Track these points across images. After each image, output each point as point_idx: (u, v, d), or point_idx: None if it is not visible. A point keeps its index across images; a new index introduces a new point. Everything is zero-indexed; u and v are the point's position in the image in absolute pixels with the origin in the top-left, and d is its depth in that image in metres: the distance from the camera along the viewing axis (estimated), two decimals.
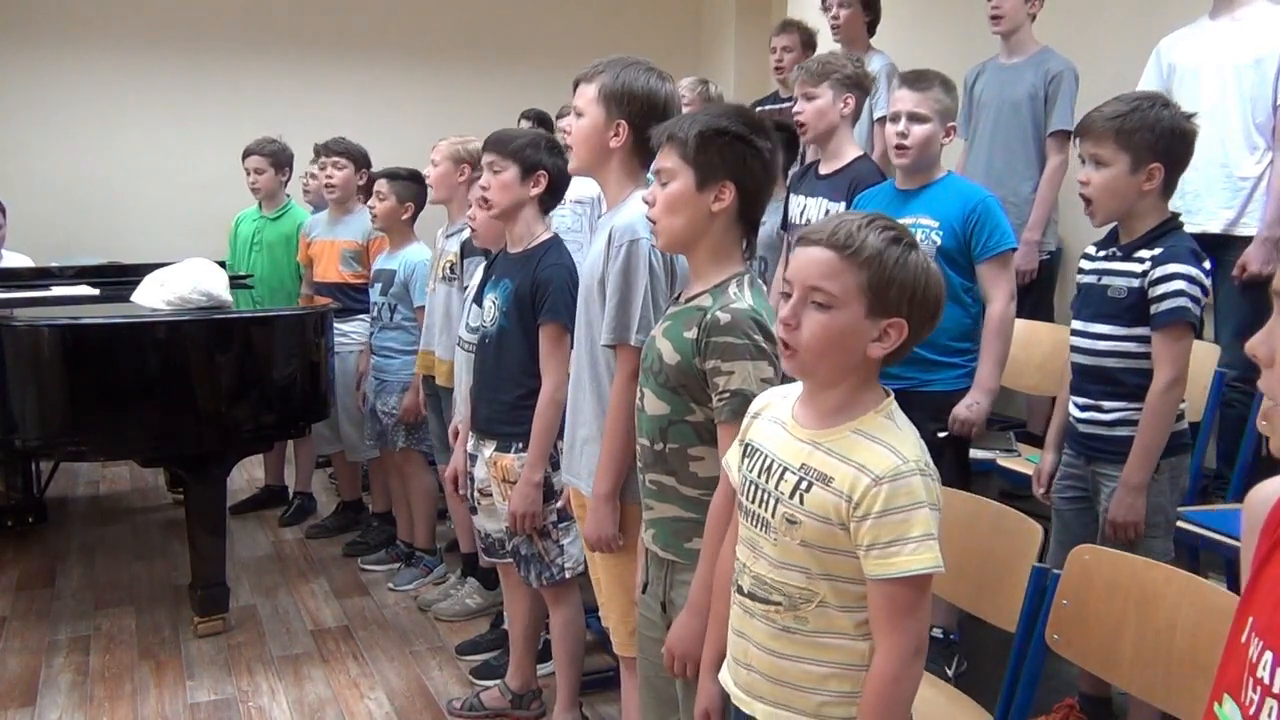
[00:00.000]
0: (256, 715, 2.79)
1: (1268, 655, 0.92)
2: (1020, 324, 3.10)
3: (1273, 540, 0.97)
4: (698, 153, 1.66)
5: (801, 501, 1.33)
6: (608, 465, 1.95)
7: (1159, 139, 2.09)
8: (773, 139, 1.72)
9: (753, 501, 1.40)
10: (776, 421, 1.43)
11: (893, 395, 1.38)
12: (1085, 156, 2.18)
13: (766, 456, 1.40)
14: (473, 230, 2.84)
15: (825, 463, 1.33)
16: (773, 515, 1.36)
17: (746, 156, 1.67)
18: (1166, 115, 2.10)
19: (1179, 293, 2.06)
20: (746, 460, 1.44)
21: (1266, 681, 0.91)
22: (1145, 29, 3.49)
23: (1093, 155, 2.15)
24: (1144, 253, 2.13)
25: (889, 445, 1.30)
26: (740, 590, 1.43)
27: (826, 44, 4.09)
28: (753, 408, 1.50)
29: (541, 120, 4.77)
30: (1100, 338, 2.20)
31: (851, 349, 1.32)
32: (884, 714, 1.31)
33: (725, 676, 1.49)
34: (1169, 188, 2.16)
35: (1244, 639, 0.96)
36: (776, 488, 1.37)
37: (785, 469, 1.36)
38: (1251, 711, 0.92)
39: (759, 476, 1.40)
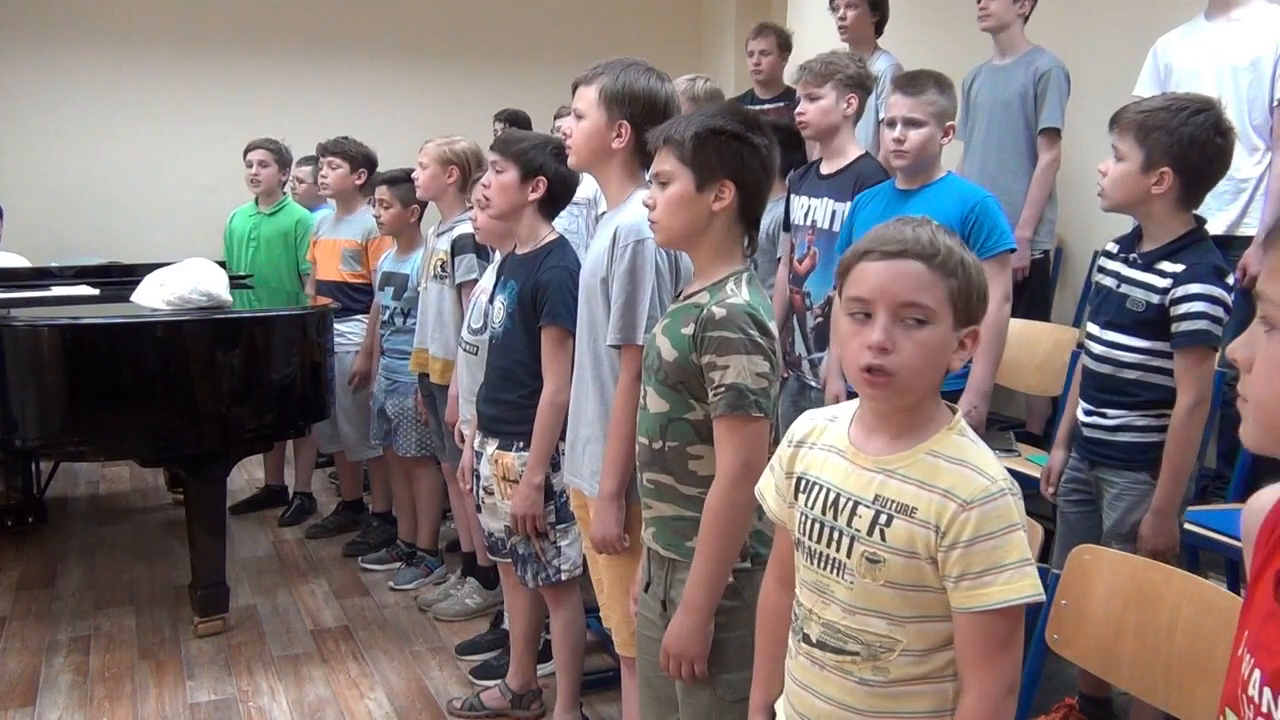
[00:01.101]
0: (256, 715, 2.79)
1: (1256, 673, 0.91)
2: (1019, 324, 3.10)
3: (1265, 554, 0.97)
4: (695, 154, 1.66)
5: (883, 538, 1.22)
6: (613, 465, 1.95)
7: (1174, 144, 2.05)
8: (769, 135, 1.72)
9: (817, 541, 1.29)
10: (832, 449, 1.32)
11: (959, 412, 1.30)
12: (1112, 146, 2.17)
13: (829, 490, 1.29)
14: (475, 228, 2.85)
15: (902, 491, 1.22)
16: (848, 555, 1.25)
17: (744, 154, 1.67)
18: (1192, 123, 2.04)
19: (1201, 314, 2.03)
20: (802, 496, 1.33)
21: (1255, 700, 0.91)
22: (1142, 29, 3.49)
23: (1114, 146, 2.14)
24: (1166, 265, 2.10)
25: (973, 466, 1.21)
26: (808, 640, 1.30)
27: (830, 43, 4.09)
28: (794, 435, 1.39)
29: (515, 121, 4.77)
30: (1114, 346, 2.18)
31: (943, 365, 1.24)
32: None
33: None
34: (1191, 197, 2.11)
35: (1240, 652, 0.96)
36: (850, 524, 1.25)
37: (856, 502, 1.25)
38: None
39: (824, 513, 1.28)
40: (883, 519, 1.22)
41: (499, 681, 2.80)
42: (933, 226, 1.25)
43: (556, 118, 4.17)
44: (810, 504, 1.31)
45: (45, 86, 5.73)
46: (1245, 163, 3.07)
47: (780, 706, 1.40)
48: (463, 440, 2.87)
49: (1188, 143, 2.05)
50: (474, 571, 3.43)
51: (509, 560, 2.61)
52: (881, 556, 1.22)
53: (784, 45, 4.25)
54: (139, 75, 5.88)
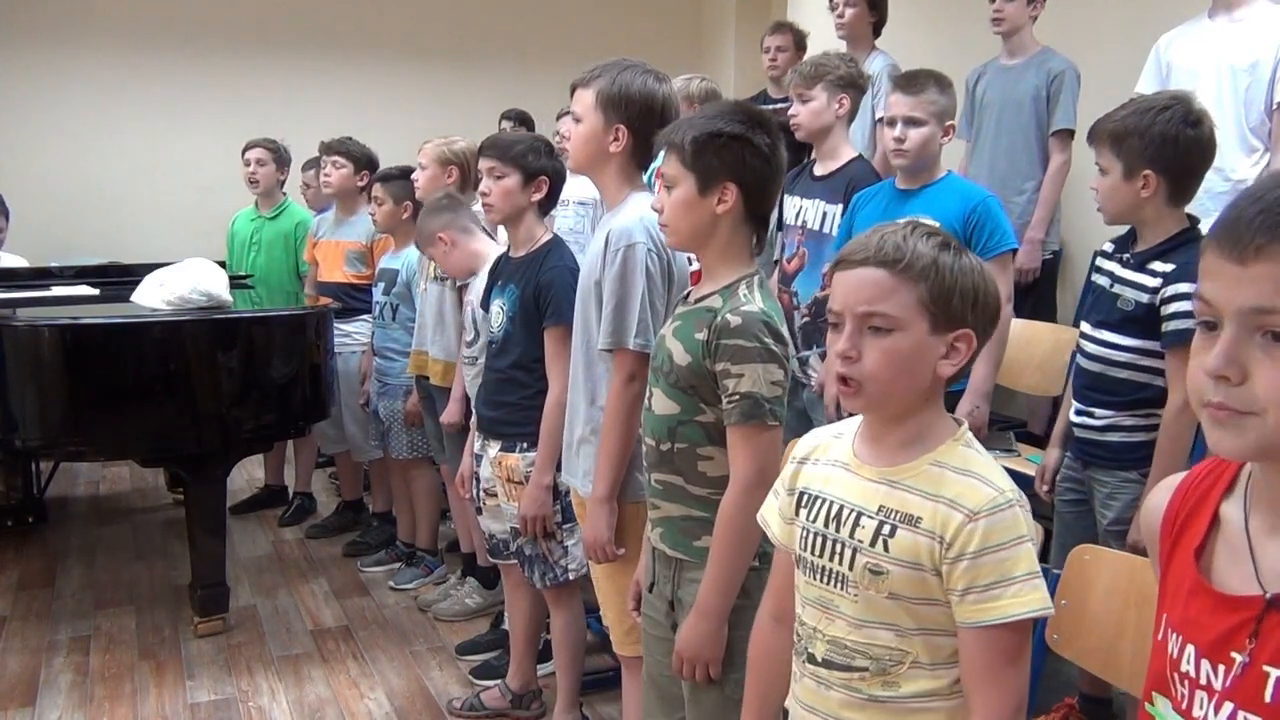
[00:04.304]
0: (256, 715, 2.79)
1: (1189, 649, 0.93)
2: (1020, 324, 3.10)
3: (1171, 542, 1.00)
4: (695, 158, 1.66)
5: (886, 548, 1.19)
6: (605, 468, 1.95)
7: (1148, 145, 2.05)
8: (773, 134, 1.71)
9: (820, 555, 1.26)
10: (835, 464, 1.30)
11: (966, 423, 1.28)
12: (1095, 163, 2.18)
13: (832, 503, 1.27)
14: (445, 270, 3.01)
15: (906, 501, 1.20)
16: (850, 568, 1.22)
17: (745, 155, 1.67)
18: (1161, 121, 2.04)
19: (1190, 314, 2.04)
20: (804, 511, 1.30)
21: (1193, 674, 0.92)
22: (1145, 28, 3.48)
23: (1096, 162, 2.16)
24: (1157, 265, 2.10)
25: (979, 476, 1.19)
26: (812, 659, 1.27)
27: (828, 43, 4.09)
28: (798, 452, 1.38)
29: (523, 121, 4.77)
30: (1105, 345, 2.19)
31: (920, 373, 1.21)
32: None
33: None
34: (1179, 194, 2.11)
35: (1160, 637, 0.98)
36: (852, 536, 1.23)
37: (860, 514, 1.23)
38: (1184, 706, 0.94)
39: (826, 526, 1.26)
40: (886, 529, 1.20)
41: (499, 681, 2.80)
42: (908, 231, 1.22)
43: (558, 119, 4.18)
44: (812, 518, 1.29)
45: (45, 87, 5.73)
46: (1243, 164, 3.07)
47: None
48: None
49: (1161, 142, 2.05)
50: (474, 572, 3.43)
51: (510, 562, 2.61)
52: (885, 568, 1.20)
53: (799, 43, 4.25)
54: (139, 75, 5.88)
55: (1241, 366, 0.85)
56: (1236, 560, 0.93)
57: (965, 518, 1.16)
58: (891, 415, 1.24)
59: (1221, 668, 0.90)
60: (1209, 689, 0.91)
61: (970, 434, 1.26)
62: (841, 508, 1.25)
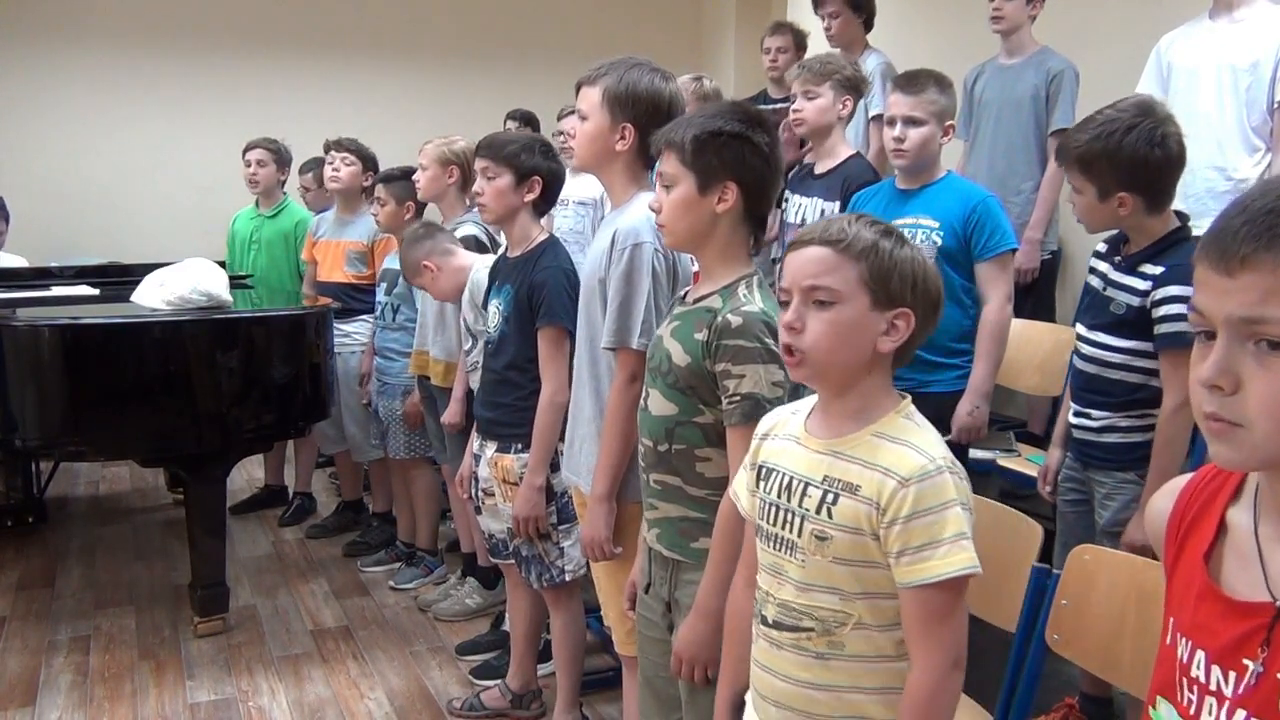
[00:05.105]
0: (256, 715, 2.79)
1: (1199, 654, 0.93)
2: (1020, 324, 3.10)
3: (1177, 546, 1.00)
4: (695, 156, 1.66)
5: (829, 515, 1.28)
6: (605, 467, 1.95)
7: (1117, 170, 2.04)
8: (771, 133, 1.71)
9: (774, 524, 1.35)
10: (789, 438, 1.38)
11: (909, 397, 1.34)
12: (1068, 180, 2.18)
13: (784, 474, 1.35)
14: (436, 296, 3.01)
15: (848, 471, 1.28)
16: (799, 535, 1.31)
17: (745, 154, 1.67)
18: (1127, 144, 2.02)
19: (1181, 316, 2.02)
20: (762, 483, 1.39)
21: (1203, 680, 0.92)
22: (1145, 28, 3.49)
23: (1069, 181, 2.16)
24: (1148, 268, 2.10)
25: (913, 445, 1.26)
26: (765, 621, 1.36)
27: (821, 45, 4.09)
28: (760, 429, 1.46)
29: (527, 121, 4.77)
30: (1100, 346, 2.19)
31: (860, 345, 1.29)
32: None
33: (752, 717, 1.42)
34: (1158, 205, 2.10)
35: (1169, 641, 0.98)
36: (801, 505, 1.31)
37: (807, 484, 1.31)
38: (1191, 711, 0.93)
39: (779, 497, 1.35)
40: (829, 497, 1.28)
41: (499, 681, 2.80)
42: (854, 219, 1.32)
43: (559, 118, 4.17)
44: (768, 489, 1.37)
45: (45, 87, 5.73)
46: (1245, 163, 3.07)
47: (749, 697, 1.44)
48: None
49: (1129, 166, 2.03)
50: (474, 572, 3.43)
51: (510, 562, 2.61)
52: (829, 533, 1.28)
53: (799, 44, 4.26)
54: (139, 75, 5.88)
55: (1234, 376, 0.84)
56: (1245, 566, 0.93)
57: (898, 484, 1.23)
58: (835, 387, 1.33)
59: (1233, 674, 0.89)
60: (1219, 695, 0.90)
61: (912, 407, 1.33)
62: (792, 479, 1.34)
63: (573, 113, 2.13)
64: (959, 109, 3.35)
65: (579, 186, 3.55)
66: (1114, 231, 2.25)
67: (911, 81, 2.65)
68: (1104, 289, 2.20)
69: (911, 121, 2.61)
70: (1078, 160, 2.09)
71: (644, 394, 1.77)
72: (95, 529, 4.30)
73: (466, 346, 2.84)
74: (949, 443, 2.53)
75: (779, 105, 3.98)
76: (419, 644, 3.21)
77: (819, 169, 3.00)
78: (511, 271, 2.48)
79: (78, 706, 2.82)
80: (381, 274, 3.73)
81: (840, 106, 2.92)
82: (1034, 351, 3.17)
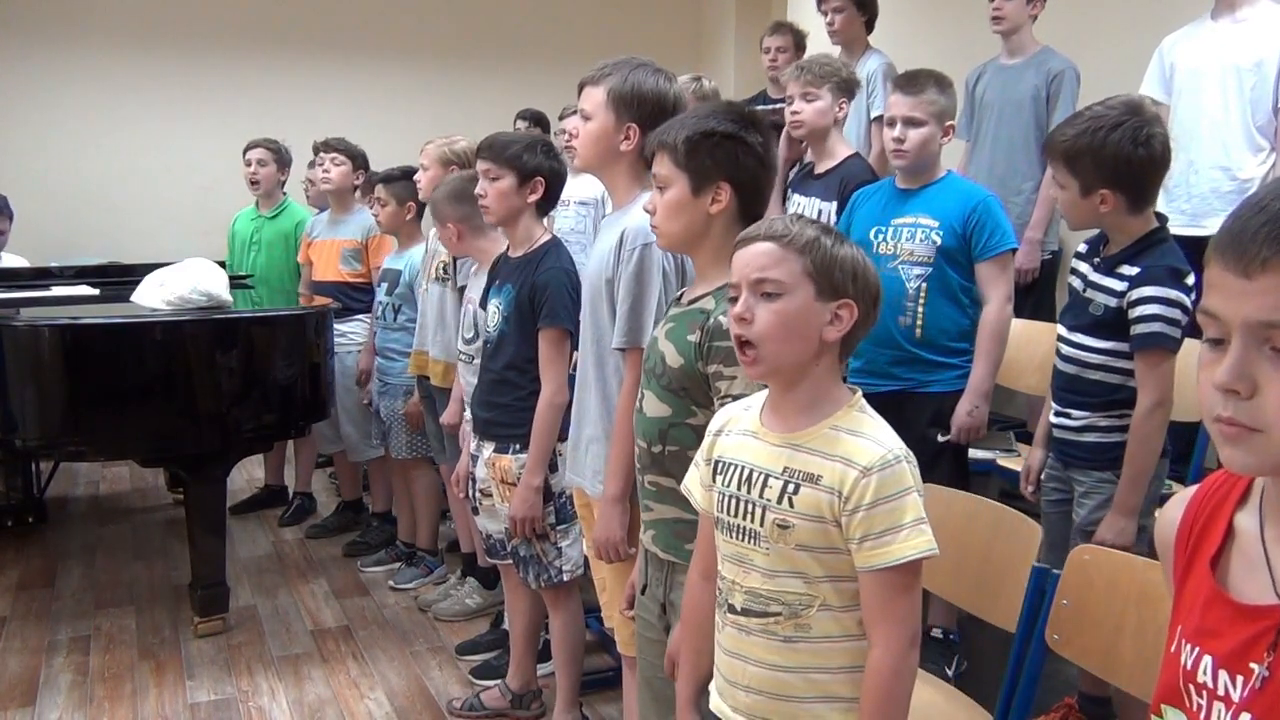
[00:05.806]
0: (256, 715, 2.79)
1: (1206, 660, 0.92)
2: (1020, 324, 3.10)
3: (1188, 555, 1.00)
4: (688, 157, 1.66)
5: (790, 504, 1.33)
6: (617, 468, 1.94)
7: (1100, 167, 2.04)
8: (765, 132, 1.71)
9: (734, 515, 1.39)
10: (745, 433, 1.43)
11: (860, 391, 1.40)
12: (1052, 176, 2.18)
13: (743, 467, 1.39)
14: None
15: (809, 462, 1.33)
16: (761, 524, 1.35)
17: (739, 154, 1.66)
18: (1112, 142, 2.02)
19: (1155, 317, 2.03)
20: (720, 477, 1.43)
21: (1210, 686, 0.92)
22: (1145, 28, 3.48)
23: (1053, 176, 2.16)
24: (1125, 269, 2.10)
25: (869, 436, 1.32)
26: (732, 609, 1.40)
27: (822, 44, 4.09)
28: (713, 426, 1.50)
29: (538, 121, 4.77)
30: (1079, 347, 2.19)
31: (807, 334, 1.34)
32: (886, 707, 1.30)
33: (719, 704, 1.45)
34: (1140, 204, 2.10)
35: (1174, 648, 0.97)
36: (762, 496, 1.36)
37: (767, 475, 1.36)
38: (1201, 717, 0.93)
39: (739, 489, 1.39)
40: (791, 488, 1.33)
41: (499, 681, 2.80)
42: (796, 217, 1.40)
43: (561, 117, 4.17)
44: (727, 483, 1.42)
45: (45, 86, 5.73)
46: (1250, 163, 3.07)
47: (713, 687, 1.48)
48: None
49: (1112, 163, 2.03)
50: (474, 571, 3.43)
51: (508, 562, 2.61)
52: (791, 522, 1.33)
53: (799, 44, 4.26)
54: (139, 75, 5.88)
55: (1251, 380, 0.83)
56: (1252, 570, 0.92)
57: (860, 473, 1.29)
58: (787, 381, 1.38)
59: (1240, 678, 0.89)
60: (1227, 700, 0.90)
61: (864, 400, 1.39)
62: (751, 471, 1.38)
63: (574, 112, 2.12)
64: (960, 109, 3.35)
65: (580, 186, 3.55)
66: (1095, 232, 2.25)
67: (911, 82, 2.64)
68: (1084, 290, 2.20)
69: (911, 122, 2.60)
70: (1062, 155, 2.09)
71: (639, 395, 1.77)
72: (95, 529, 4.30)
73: (469, 335, 2.80)
74: (949, 443, 2.57)
75: (778, 105, 3.99)
76: (419, 644, 3.21)
77: (819, 169, 3.00)
78: (513, 272, 2.48)
79: (78, 706, 2.82)
80: (381, 274, 3.73)
81: (837, 109, 2.93)
82: (1034, 351, 3.17)
